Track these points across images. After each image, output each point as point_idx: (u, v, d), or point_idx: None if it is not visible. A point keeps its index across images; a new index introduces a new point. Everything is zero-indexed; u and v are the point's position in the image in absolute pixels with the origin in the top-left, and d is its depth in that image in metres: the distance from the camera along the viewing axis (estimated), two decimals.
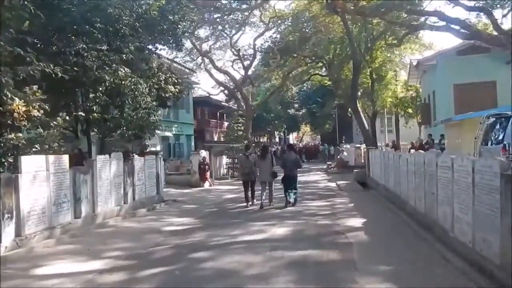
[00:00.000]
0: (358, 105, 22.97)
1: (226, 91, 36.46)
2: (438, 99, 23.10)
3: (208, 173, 17.31)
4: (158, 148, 19.36)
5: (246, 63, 32.87)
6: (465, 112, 19.61)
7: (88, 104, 10.79)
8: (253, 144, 38.64)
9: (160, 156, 12.83)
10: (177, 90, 13.98)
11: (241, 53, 32.55)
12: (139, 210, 10.66)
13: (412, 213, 8.76)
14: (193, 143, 35.63)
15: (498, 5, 18.00)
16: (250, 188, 11.73)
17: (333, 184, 17.19)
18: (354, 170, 19.17)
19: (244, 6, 21.39)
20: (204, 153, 18.14)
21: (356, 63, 23.43)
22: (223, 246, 6.88)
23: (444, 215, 6.60)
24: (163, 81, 13.23)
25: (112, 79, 9.72)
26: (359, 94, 27.33)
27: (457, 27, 17.76)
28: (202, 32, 31.23)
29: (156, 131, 18.59)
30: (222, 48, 35.16)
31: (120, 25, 9.82)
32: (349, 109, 43.00)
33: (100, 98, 10.30)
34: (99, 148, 16.79)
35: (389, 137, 34.13)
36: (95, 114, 10.71)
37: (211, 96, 38.69)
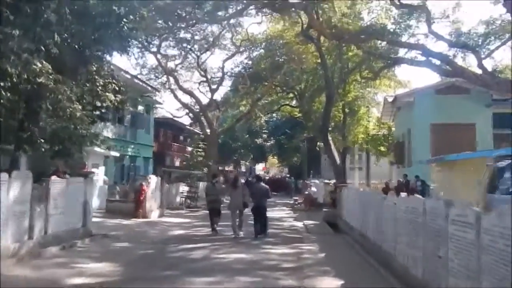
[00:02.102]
0: (329, 138, 21.29)
1: (191, 114, 34.30)
2: (414, 138, 21.79)
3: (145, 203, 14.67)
4: (99, 170, 16.75)
5: (214, 86, 31.05)
6: (442, 153, 18.29)
7: None
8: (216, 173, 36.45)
9: (92, 178, 10.32)
10: (117, 99, 11.66)
11: (208, 75, 30.72)
12: (48, 249, 8.14)
13: (403, 275, 6.73)
14: (151, 167, 32.90)
15: (484, 43, 17.05)
16: (215, 217, 11.77)
17: (299, 224, 15.09)
18: (323, 209, 17.19)
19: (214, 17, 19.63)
20: (153, 179, 15.69)
21: (329, 94, 21.85)
22: None
23: None
24: (100, 87, 10.89)
25: (19, 73, 7.34)
26: (330, 128, 25.91)
27: (438, 63, 16.65)
28: (170, 50, 29.41)
29: (97, 148, 16.21)
30: (189, 68, 33.31)
31: (44, 8, 7.57)
32: (318, 143, 42.01)
33: (2, 97, 7.82)
34: (30, 166, 14.15)
35: (359, 175, 32.66)
36: None
37: (174, 118, 36.34)
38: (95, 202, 15.54)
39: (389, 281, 6.87)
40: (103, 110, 11.86)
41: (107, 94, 11.03)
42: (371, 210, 9.54)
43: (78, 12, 8.50)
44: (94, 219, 12.78)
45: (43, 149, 9.27)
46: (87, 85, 10.45)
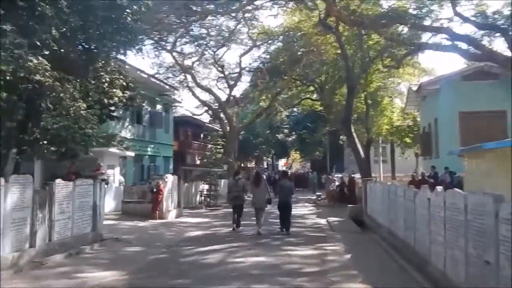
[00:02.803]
0: (352, 130, 20.31)
1: (210, 112, 33.78)
2: (441, 127, 20.61)
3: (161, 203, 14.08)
4: (115, 170, 16.33)
5: (232, 82, 30.39)
6: (472, 143, 17.10)
7: None
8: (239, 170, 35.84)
9: (101, 181, 9.79)
10: (125, 96, 11.07)
11: (226, 71, 30.09)
12: (52, 257, 7.64)
13: (440, 280, 5.92)
14: (171, 166, 32.63)
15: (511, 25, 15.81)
16: (238, 213, 11.90)
17: (323, 221, 14.31)
18: (348, 205, 16.32)
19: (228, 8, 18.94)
20: (170, 178, 15.16)
21: (351, 85, 20.80)
22: None
23: None
24: (106, 84, 10.32)
25: (13, 70, 6.80)
26: (353, 120, 24.89)
27: (466, 48, 15.53)
28: (186, 48, 28.96)
29: (112, 149, 15.80)
30: (206, 65, 32.76)
31: (38, 1, 7.01)
32: (341, 137, 40.90)
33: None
34: (43, 169, 13.85)
35: (384, 168, 31.49)
36: None
37: (194, 116, 35.94)
38: (110, 204, 15.21)
39: (424, 287, 6.07)
40: (112, 108, 11.28)
41: (114, 90, 10.47)
42: (401, 206, 8.70)
43: (77, 4, 7.93)
44: (108, 222, 12.39)
45: (45, 151, 8.71)
46: (93, 82, 9.90)
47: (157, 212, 13.89)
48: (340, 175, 23.81)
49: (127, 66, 22.70)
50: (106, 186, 14.76)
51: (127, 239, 10.12)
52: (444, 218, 5.87)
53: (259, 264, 7.51)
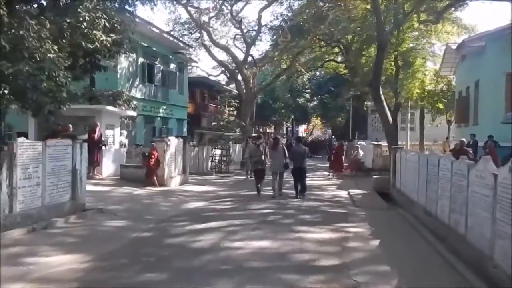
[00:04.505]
0: (381, 92, 18.14)
1: (227, 73, 31.82)
2: (483, 91, 18.24)
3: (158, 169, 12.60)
4: (116, 131, 14.80)
5: (250, 40, 28.22)
6: None
7: None
8: (254, 134, 34.13)
9: (80, 141, 8.20)
10: (109, 40, 9.27)
11: (244, 28, 27.88)
12: (9, 232, 6.21)
13: (507, 285, 4.21)
14: (185, 129, 31.21)
15: None
16: (260, 177, 11.97)
17: (344, 194, 12.61)
18: (373, 176, 14.51)
19: None
20: (174, 141, 13.58)
21: (381, 41, 18.39)
22: None
23: None
24: (85, 24, 8.52)
25: None
26: (381, 82, 22.63)
27: None
28: (203, 3, 26.85)
29: (109, 107, 14.26)
30: (224, 22, 30.58)
31: None
32: (366, 102, 38.52)
33: None
34: (39, 128, 12.53)
35: (411, 136, 29.28)
36: None
37: (210, 77, 34.03)
38: (109, 168, 13.83)
39: None
40: (98, 56, 9.48)
41: (95, 32, 8.67)
42: (446, 181, 6.88)
43: None
44: (101, 188, 11.10)
45: (5, 104, 7.13)
46: (68, 20, 8.15)
47: (154, 178, 12.40)
48: (378, 143, 21.82)
49: (137, 19, 21.33)
50: (104, 148, 13.45)
51: (113, 210, 8.67)
52: None
53: (262, 251, 5.89)
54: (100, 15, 8.90)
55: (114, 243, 6.16)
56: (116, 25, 9.70)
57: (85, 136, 8.34)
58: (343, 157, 19.59)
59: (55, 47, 7.34)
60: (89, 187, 11.17)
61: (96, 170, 13.14)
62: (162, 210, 9.19)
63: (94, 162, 12.72)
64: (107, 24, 9.15)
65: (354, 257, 5.77)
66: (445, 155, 7.40)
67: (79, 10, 8.20)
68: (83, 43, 8.58)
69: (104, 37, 8.96)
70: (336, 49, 29.27)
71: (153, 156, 12.19)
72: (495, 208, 4.90)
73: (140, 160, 13.93)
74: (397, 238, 7.12)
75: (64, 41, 7.93)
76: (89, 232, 6.84)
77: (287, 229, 7.32)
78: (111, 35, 9.38)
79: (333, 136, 45.41)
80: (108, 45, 9.33)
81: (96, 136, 12.47)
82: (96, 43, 8.86)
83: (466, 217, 5.85)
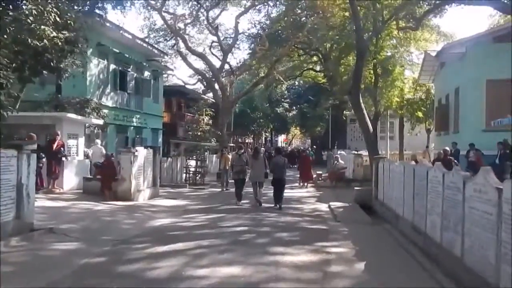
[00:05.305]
0: (361, 100, 17.59)
1: (204, 81, 30.97)
2: (464, 98, 17.88)
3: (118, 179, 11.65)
4: (80, 141, 13.73)
5: (227, 47, 27.53)
6: (500, 116, 14.53)
7: None
8: (232, 144, 33.24)
9: (28, 152, 7.20)
10: (61, 37, 8.27)
11: (220, 34, 27.17)
12: None
13: None
14: (160, 139, 30.11)
15: None
16: (240, 186, 12.35)
17: (324, 207, 11.87)
18: (355, 188, 13.83)
19: None
20: (142, 151, 12.61)
21: (361, 49, 17.90)
22: None
23: None
24: (31, 18, 7.53)
25: None
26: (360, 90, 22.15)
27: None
28: (178, 10, 26.09)
29: (70, 115, 13.22)
30: (200, 30, 29.91)
31: None
32: (344, 112, 38.16)
33: None
34: None
35: (391, 145, 28.94)
36: None
37: (186, 86, 33.11)
38: (71, 181, 12.75)
39: None
40: (48, 56, 8.42)
41: (43, 28, 7.66)
42: (437, 195, 6.18)
43: None
44: (58, 204, 10.04)
45: None
46: (9, 13, 7.15)
47: (106, 192, 11.45)
48: (357, 152, 21.54)
49: (107, 24, 20.33)
50: (65, 159, 12.38)
51: (66, 229, 7.65)
52: None
53: (230, 280, 5.03)
54: (50, 9, 7.90)
55: (55, 273, 5.19)
56: (69, 22, 8.70)
57: (34, 146, 7.29)
58: (310, 166, 20.05)
59: None
60: (46, 203, 10.21)
61: (56, 183, 12.06)
62: (123, 228, 8.21)
63: (53, 174, 11.66)
64: (58, 20, 8.17)
65: (337, 286, 4.97)
66: (435, 165, 6.68)
67: (24, 1, 7.22)
68: (29, 40, 7.57)
69: (54, 34, 7.96)
70: (315, 58, 28.84)
71: (107, 167, 11.19)
72: (500, 228, 4.19)
73: (94, 172, 12.92)
74: (385, 260, 6.36)
75: (5, 36, 6.94)
76: (29, 259, 5.85)
77: (262, 251, 6.47)
78: (64, 32, 8.40)
79: (314, 146, 44.79)
80: (60, 43, 8.32)
81: (55, 146, 11.41)
82: (45, 40, 7.85)
83: (462, 237, 5.14)
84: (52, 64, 8.32)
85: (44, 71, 8.85)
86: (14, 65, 6.86)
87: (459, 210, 5.28)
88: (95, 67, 20.82)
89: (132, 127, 25.80)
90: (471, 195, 4.97)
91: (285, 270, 5.51)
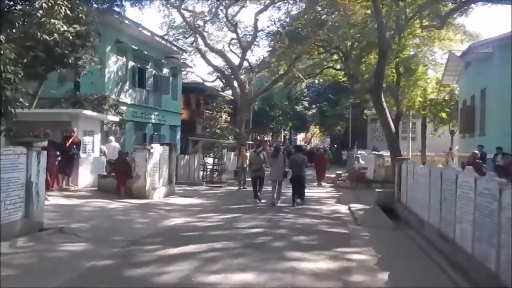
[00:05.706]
0: (382, 99, 17.02)
1: (223, 78, 30.72)
2: (490, 100, 17.17)
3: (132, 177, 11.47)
4: (96, 138, 13.58)
5: (246, 44, 27.21)
6: None
7: None
8: (250, 142, 32.93)
9: (38, 149, 7.03)
10: (72, 31, 8.05)
11: (239, 31, 26.85)
12: None
13: None
14: (178, 136, 30.00)
15: None
16: (259, 185, 12.38)
17: (344, 209, 11.42)
18: (376, 189, 13.34)
19: None
20: (158, 149, 12.40)
21: (383, 47, 17.29)
22: None
23: None
24: (41, 12, 7.32)
25: None
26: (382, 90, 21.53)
27: None
28: (198, 7, 25.93)
29: (86, 111, 13.10)
30: (220, 27, 29.64)
31: None
32: (365, 111, 37.41)
33: None
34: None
35: (412, 146, 28.19)
36: None
37: (205, 83, 32.92)
38: (86, 179, 12.64)
39: None
40: (59, 51, 8.20)
41: (53, 21, 7.44)
42: (468, 202, 5.72)
43: None
44: (73, 202, 9.88)
45: None
46: (18, 8, 6.92)
47: (121, 189, 11.28)
48: (377, 153, 20.98)
49: (126, 21, 20.25)
50: (76, 157, 12.22)
51: (77, 229, 7.46)
52: None
53: None
54: (60, 3, 7.68)
55: (58, 278, 4.95)
56: (80, 15, 8.48)
57: (45, 143, 7.11)
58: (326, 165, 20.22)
59: (1, 37, 6.18)
60: (59, 201, 10.09)
61: (71, 181, 11.95)
62: (135, 228, 7.98)
63: (66, 172, 11.55)
64: (69, 13, 7.95)
65: None
66: (465, 169, 6.23)
67: None
68: (39, 34, 7.37)
69: (65, 28, 7.75)
70: (335, 56, 28.30)
71: (124, 166, 11.00)
72: None
73: (107, 169, 12.77)
74: (410, 269, 5.93)
75: (14, 30, 6.76)
76: (34, 260, 5.63)
77: (277, 256, 6.12)
78: (75, 26, 8.19)
79: (335, 145, 44.11)
80: (71, 38, 8.10)
81: (68, 143, 11.28)
82: (55, 34, 7.64)
83: (498, 250, 4.70)
84: (65, 59, 8.12)
85: (56, 67, 8.65)
86: (25, 60, 6.67)
87: (494, 219, 4.84)
88: (114, 64, 20.78)
89: (150, 124, 25.74)
90: (509, 204, 4.52)
91: (302, 278, 5.15)
